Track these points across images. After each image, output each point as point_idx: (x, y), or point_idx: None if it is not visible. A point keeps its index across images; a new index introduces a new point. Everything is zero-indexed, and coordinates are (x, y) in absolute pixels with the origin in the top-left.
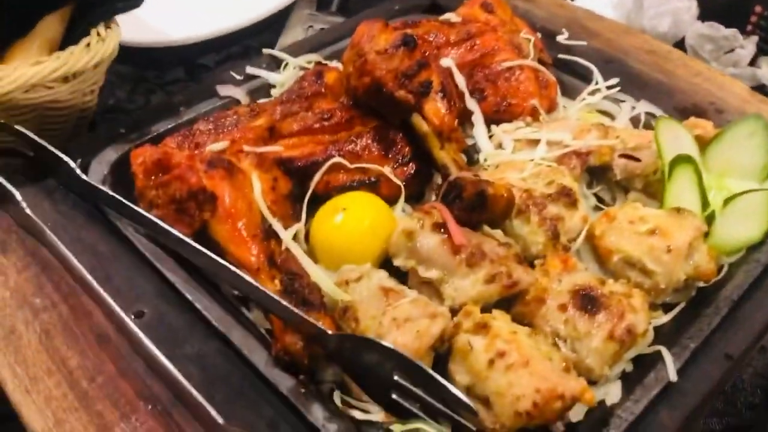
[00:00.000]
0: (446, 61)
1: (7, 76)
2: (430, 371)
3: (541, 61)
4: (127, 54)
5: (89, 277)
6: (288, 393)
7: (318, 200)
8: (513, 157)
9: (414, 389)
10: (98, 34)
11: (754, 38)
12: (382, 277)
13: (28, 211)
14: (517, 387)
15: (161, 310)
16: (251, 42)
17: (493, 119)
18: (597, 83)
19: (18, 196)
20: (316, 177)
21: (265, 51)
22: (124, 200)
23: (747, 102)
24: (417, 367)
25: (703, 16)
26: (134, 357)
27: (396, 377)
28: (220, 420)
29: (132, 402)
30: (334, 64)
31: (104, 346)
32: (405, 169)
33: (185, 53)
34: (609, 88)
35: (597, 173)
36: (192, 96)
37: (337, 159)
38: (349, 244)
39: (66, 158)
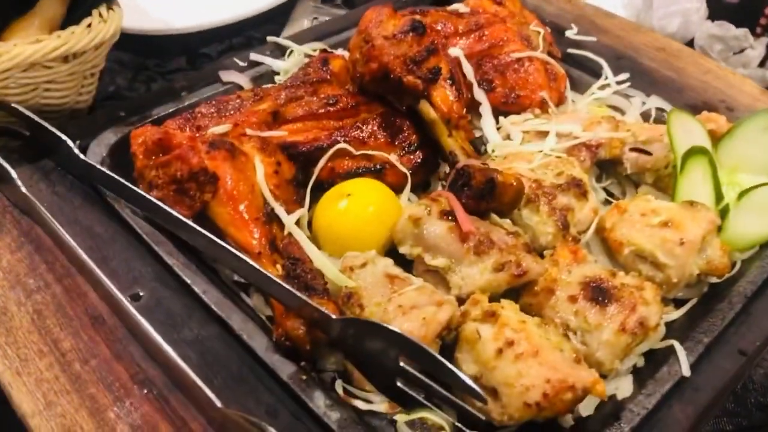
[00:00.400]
0: (455, 51)
1: (6, 53)
2: (437, 356)
3: (550, 55)
4: (129, 41)
5: (86, 258)
6: (288, 380)
7: (322, 187)
8: (521, 148)
9: (420, 376)
10: (100, 15)
11: (765, 39)
12: (387, 264)
13: (24, 189)
14: (526, 377)
15: (159, 294)
16: (255, 33)
17: (501, 111)
18: (606, 78)
19: (14, 174)
20: (321, 162)
21: (270, 39)
22: (123, 180)
23: (758, 100)
24: (424, 352)
25: (713, 17)
26: (129, 340)
27: (401, 363)
28: (218, 403)
29: (126, 386)
30: (340, 52)
31: (98, 329)
32: (412, 157)
33: (187, 42)
34: (619, 83)
35: (607, 167)
36: (194, 81)
37: (342, 145)
38: (353, 230)
39: (64, 137)
